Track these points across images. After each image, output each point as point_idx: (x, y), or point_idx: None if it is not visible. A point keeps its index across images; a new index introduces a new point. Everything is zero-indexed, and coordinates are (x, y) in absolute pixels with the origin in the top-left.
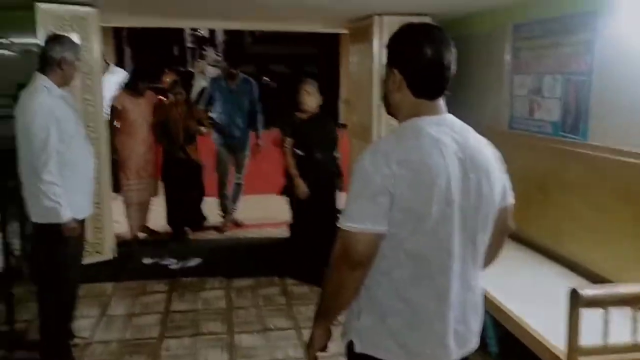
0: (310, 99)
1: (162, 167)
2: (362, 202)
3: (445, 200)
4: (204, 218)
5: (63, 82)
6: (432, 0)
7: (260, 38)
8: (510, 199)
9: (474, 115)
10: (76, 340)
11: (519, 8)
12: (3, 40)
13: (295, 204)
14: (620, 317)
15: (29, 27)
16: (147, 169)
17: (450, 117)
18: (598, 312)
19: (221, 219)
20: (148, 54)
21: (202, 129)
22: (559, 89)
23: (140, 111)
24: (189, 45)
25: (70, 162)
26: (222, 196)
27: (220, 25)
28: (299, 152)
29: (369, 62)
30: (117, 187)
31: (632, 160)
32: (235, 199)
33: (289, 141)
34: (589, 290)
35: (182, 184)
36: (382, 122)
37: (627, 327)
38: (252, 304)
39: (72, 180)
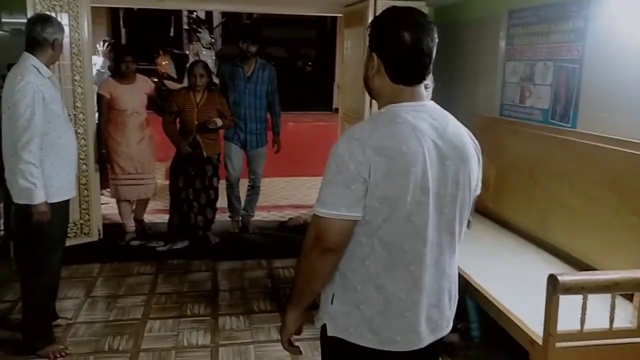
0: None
1: (171, 163)
2: (336, 189)
3: (421, 188)
4: (206, 229)
5: (51, 63)
6: None
7: (258, 21)
8: (479, 190)
9: (467, 102)
10: (59, 321)
11: None
12: None
13: None
14: (603, 304)
15: (19, 7)
16: (141, 163)
17: (431, 104)
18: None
19: (229, 223)
20: (143, 35)
21: (217, 120)
22: (550, 76)
23: (130, 99)
24: (185, 27)
25: (56, 143)
26: (231, 197)
27: (217, 7)
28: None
29: (363, 47)
30: (104, 184)
31: (619, 148)
32: (250, 204)
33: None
34: (567, 277)
35: (187, 185)
36: (374, 107)
37: (607, 314)
38: (237, 287)
39: (56, 162)
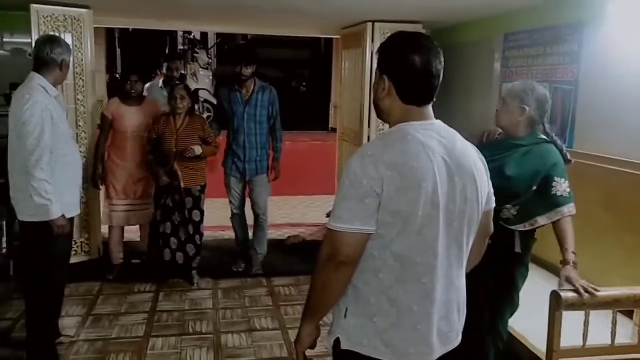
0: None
1: (154, 194)
2: (350, 203)
3: (432, 203)
4: (188, 267)
5: (58, 83)
6: (424, 8)
7: (252, 42)
8: (493, 204)
9: (463, 122)
10: (62, 339)
11: (510, 18)
12: None
13: None
14: (604, 320)
15: (21, 27)
16: (136, 189)
17: (439, 123)
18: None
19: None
20: (139, 55)
21: (196, 148)
22: None
23: (132, 122)
24: (181, 47)
25: (62, 160)
26: (235, 228)
27: (214, 29)
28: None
29: (361, 68)
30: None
31: (615, 167)
32: (257, 241)
33: None
34: (570, 293)
35: (165, 218)
36: (372, 127)
37: (608, 330)
38: (238, 305)
39: (62, 180)
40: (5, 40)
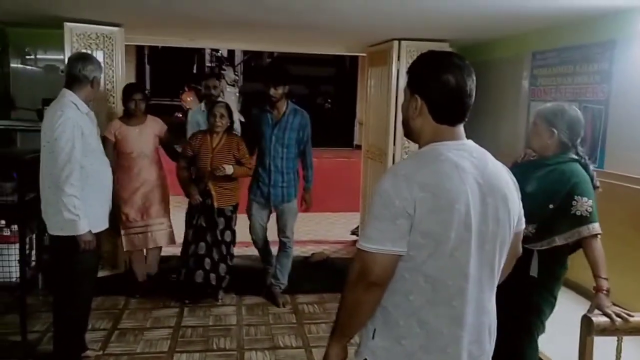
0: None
1: (186, 213)
2: (382, 224)
3: (464, 225)
4: (218, 287)
5: (89, 99)
6: (451, 27)
7: (278, 59)
8: (523, 224)
9: (491, 141)
10: (88, 353)
11: (538, 35)
12: (29, 57)
13: None
14: (637, 346)
15: (54, 44)
16: (148, 209)
17: (470, 143)
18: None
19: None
20: (167, 72)
21: (227, 167)
22: None
23: (137, 141)
24: (208, 64)
25: (92, 175)
26: (259, 251)
27: (241, 47)
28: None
29: (387, 85)
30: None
31: None
32: (281, 270)
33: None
34: (601, 318)
35: (198, 238)
36: (397, 145)
37: None
38: (262, 322)
39: (92, 194)
40: (38, 56)
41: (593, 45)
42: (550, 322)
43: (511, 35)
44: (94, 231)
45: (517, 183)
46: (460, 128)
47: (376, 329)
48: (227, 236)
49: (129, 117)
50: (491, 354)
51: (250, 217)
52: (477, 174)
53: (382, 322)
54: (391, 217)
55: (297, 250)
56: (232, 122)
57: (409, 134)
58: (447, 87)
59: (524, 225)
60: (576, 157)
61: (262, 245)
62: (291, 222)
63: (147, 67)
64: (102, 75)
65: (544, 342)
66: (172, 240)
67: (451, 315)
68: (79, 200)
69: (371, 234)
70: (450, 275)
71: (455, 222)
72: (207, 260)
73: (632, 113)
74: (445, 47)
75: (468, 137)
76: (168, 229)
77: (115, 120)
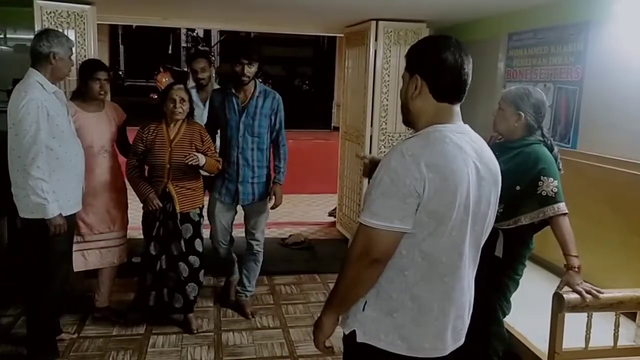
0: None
1: (142, 222)
2: (391, 201)
3: (464, 206)
4: (190, 309)
5: (55, 78)
6: (428, 7)
7: (255, 39)
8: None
9: (468, 122)
10: (62, 336)
11: (514, 17)
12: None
13: None
14: (607, 322)
15: (25, 22)
16: (113, 220)
17: (468, 128)
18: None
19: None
20: (142, 53)
21: (200, 156)
22: (550, 97)
23: (99, 132)
24: (184, 45)
25: (61, 157)
26: (228, 277)
27: (217, 26)
28: None
29: (364, 66)
30: None
31: (619, 169)
32: (247, 277)
33: None
34: (572, 295)
35: (162, 251)
36: (375, 126)
37: (610, 332)
38: None
39: (62, 176)
40: (8, 36)
41: (568, 27)
42: (522, 300)
43: (488, 17)
44: (65, 214)
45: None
46: (458, 110)
47: (367, 301)
48: (198, 245)
49: (85, 100)
50: (466, 328)
51: (211, 219)
52: (476, 158)
53: (374, 295)
54: (401, 195)
55: (275, 232)
56: (192, 108)
57: (408, 116)
58: (447, 64)
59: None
60: (541, 139)
61: (225, 253)
62: (262, 223)
63: (121, 47)
64: (75, 55)
65: (516, 320)
66: (125, 257)
67: (443, 290)
68: (47, 184)
69: (379, 210)
70: (446, 253)
71: (457, 203)
72: (171, 275)
73: (606, 94)
74: (422, 27)
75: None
76: (124, 244)
77: (69, 102)
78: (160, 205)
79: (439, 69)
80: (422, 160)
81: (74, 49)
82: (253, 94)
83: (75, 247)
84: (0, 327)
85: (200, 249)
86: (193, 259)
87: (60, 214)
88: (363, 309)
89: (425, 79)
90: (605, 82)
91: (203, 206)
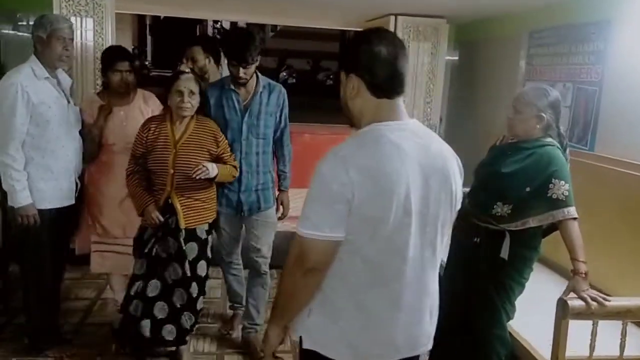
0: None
1: (134, 237)
2: (320, 208)
3: (404, 208)
4: (182, 341)
5: (47, 63)
6: (448, 2)
7: (281, 33)
8: (459, 205)
9: (487, 119)
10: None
11: (535, 14)
12: (21, 23)
13: None
14: (614, 330)
15: (45, 10)
16: (129, 223)
17: (414, 122)
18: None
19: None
20: (169, 43)
21: (210, 166)
22: (569, 97)
23: (121, 128)
24: (211, 36)
25: (45, 148)
26: (227, 277)
27: (240, 18)
28: None
29: None
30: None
31: (636, 173)
32: (255, 305)
33: None
34: (577, 301)
35: (152, 273)
36: None
37: (617, 340)
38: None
39: (43, 167)
40: (30, 23)
41: (589, 25)
42: (528, 304)
43: (509, 14)
44: (44, 207)
45: (462, 167)
46: (401, 105)
47: (312, 308)
48: (201, 269)
49: (110, 93)
50: (432, 334)
51: (216, 229)
52: (420, 155)
53: (319, 302)
54: (329, 201)
55: (288, 226)
56: (203, 102)
57: (350, 117)
58: (380, 58)
59: (459, 206)
60: (553, 142)
61: (234, 262)
62: (270, 237)
63: (149, 37)
64: (92, 44)
65: (520, 324)
66: None
67: (389, 297)
68: (18, 171)
69: (309, 217)
70: (388, 257)
71: (394, 206)
72: (162, 305)
73: (626, 95)
74: (442, 23)
75: (464, 115)
76: None
77: (92, 97)
78: (161, 219)
79: (372, 65)
80: (352, 163)
81: (77, 33)
82: (256, 90)
83: (93, 247)
84: (9, 312)
85: (203, 273)
86: (195, 284)
87: (32, 205)
88: (308, 316)
89: (361, 76)
90: (626, 83)
91: (214, 221)
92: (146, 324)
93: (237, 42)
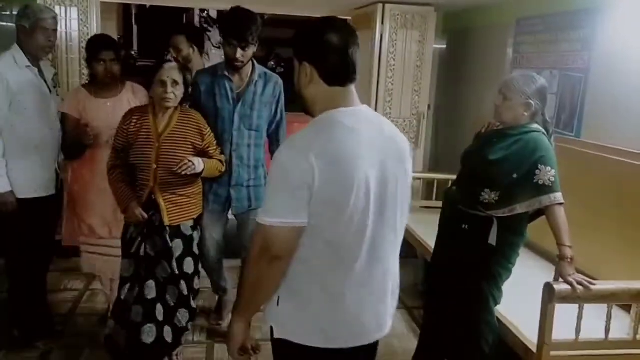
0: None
1: (122, 236)
2: (282, 197)
3: (364, 190)
4: (175, 345)
5: (29, 52)
6: None
7: (269, 21)
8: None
9: (475, 107)
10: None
11: (523, 2)
12: (5, 13)
13: None
14: (600, 314)
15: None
16: (115, 223)
17: (365, 108)
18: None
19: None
20: (155, 33)
21: (195, 161)
22: (555, 84)
23: (108, 121)
24: (197, 26)
25: (23, 137)
26: (212, 276)
27: (221, 6)
28: None
29: (370, 50)
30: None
31: (623, 159)
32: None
33: None
34: (563, 286)
35: (142, 275)
36: (379, 108)
37: (603, 324)
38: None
39: (20, 156)
40: (14, 13)
41: (576, 12)
42: (515, 289)
43: (497, 2)
44: (23, 196)
45: (410, 150)
46: (353, 92)
47: (280, 296)
48: (188, 266)
49: (97, 85)
50: (393, 313)
51: (200, 229)
52: (375, 138)
53: (286, 289)
54: (290, 189)
55: None
56: (187, 92)
57: (305, 105)
58: (331, 46)
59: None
60: (539, 128)
61: (216, 265)
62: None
63: (135, 27)
64: (77, 33)
65: (507, 309)
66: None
67: (353, 278)
68: None
69: (271, 207)
70: (349, 240)
71: (354, 188)
72: (160, 307)
73: (612, 82)
74: (430, 11)
75: (452, 102)
76: None
77: (77, 89)
78: (145, 216)
79: (324, 53)
80: (311, 149)
81: (61, 22)
82: (251, 78)
83: (81, 246)
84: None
85: (190, 270)
86: (183, 282)
87: (11, 192)
88: (277, 304)
89: (314, 64)
90: (612, 70)
91: (199, 217)
92: (150, 329)
93: (238, 20)
